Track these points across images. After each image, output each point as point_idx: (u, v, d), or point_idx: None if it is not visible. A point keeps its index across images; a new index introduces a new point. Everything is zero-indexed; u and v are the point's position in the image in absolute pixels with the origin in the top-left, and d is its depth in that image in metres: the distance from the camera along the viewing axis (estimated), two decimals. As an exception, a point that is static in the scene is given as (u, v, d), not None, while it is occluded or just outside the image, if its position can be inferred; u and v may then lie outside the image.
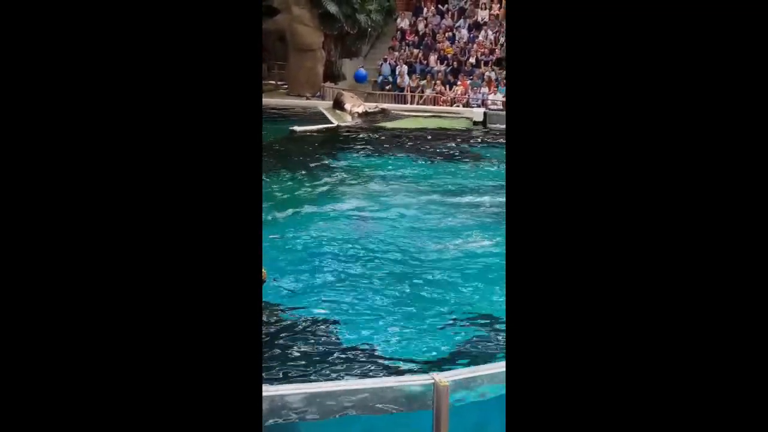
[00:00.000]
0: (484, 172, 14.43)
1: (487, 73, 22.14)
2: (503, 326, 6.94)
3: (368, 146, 16.56)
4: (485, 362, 6.00)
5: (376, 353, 6.42)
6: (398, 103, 21.57)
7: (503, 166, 14.54)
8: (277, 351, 6.23)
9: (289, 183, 12.70)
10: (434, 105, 21.50)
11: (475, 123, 19.85)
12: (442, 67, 23.08)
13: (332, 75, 23.09)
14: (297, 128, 17.88)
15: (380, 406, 3.39)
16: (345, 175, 13.21)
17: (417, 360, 6.28)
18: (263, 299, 6.38)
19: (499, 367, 3.90)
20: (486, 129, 19.49)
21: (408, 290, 7.81)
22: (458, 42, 24.10)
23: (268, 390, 3.13)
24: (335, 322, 7.03)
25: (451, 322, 7.09)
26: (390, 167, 14.33)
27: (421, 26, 25.09)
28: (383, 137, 17.53)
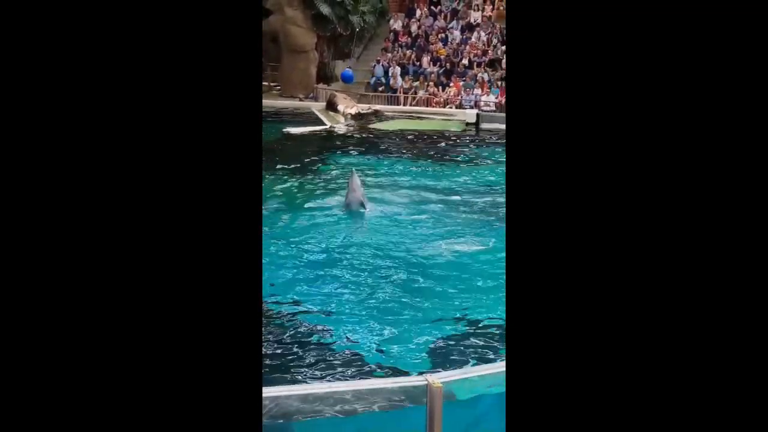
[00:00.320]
0: (477, 173, 14.44)
1: (479, 75, 22.18)
2: (496, 328, 6.95)
3: (361, 147, 16.56)
4: (478, 364, 6.01)
5: (369, 354, 6.42)
6: (391, 104, 21.58)
7: (496, 167, 14.58)
8: (269, 351, 6.23)
9: (282, 184, 12.69)
10: (427, 106, 21.52)
11: (468, 124, 19.87)
12: (435, 69, 23.10)
13: (325, 76, 23.08)
14: (290, 130, 17.87)
15: (373, 407, 3.40)
16: (338, 177, 13.20)
17: (410, 361, 6.29)
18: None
19: (492, 368, 3.91)
20: (479, 130, 19.51)
21: (401, 291, 7.81)
22: (451, 43, 24.13)
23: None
24: (327, 323, 7.03)
25: (444, 323, 7.10)
26: (383, 168, 14.33)
27: (414, 28, 25.10)
28: (376, 138, 17.53)
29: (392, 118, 20.02)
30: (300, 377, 5.84)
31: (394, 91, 22.43)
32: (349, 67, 23.18)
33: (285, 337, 6.63)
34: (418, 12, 25.76)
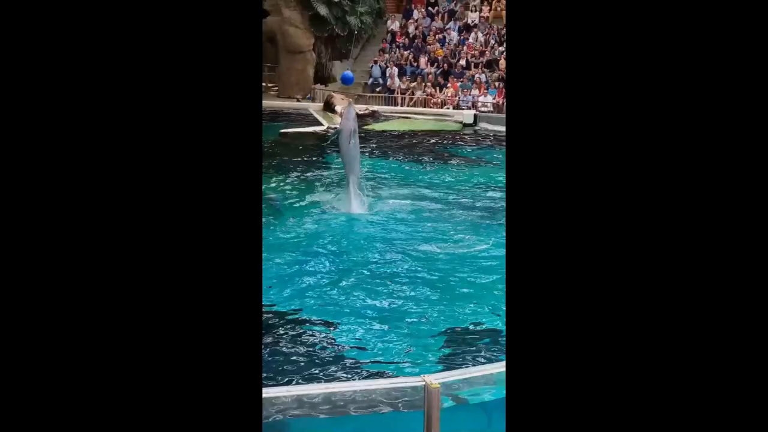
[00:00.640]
0: (475, 173, 14.45)
1: (477, 75, 22.19)
2: (494, 328, 6.95)
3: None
4: (476, 364, 6.01)
5: (367, 355, 6.42)
6: (388, 105, 21.60)
7: (494, 168, 14.59)
8: (268, 352, 6.22)
9: (280, 185, 12.69)
10: (424, 107, 21.53)
11: (465, 125, 19.89)
12: (433, 69, 23.10)
13: (322, 77, 23.09)
14: (287, 130, 17.87)
15: (371, 407, 3.40)
16: (335, 177, 13.19)
17: (407, 362, 6.29)
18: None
19: (490, 368, 3.91)
20: (476, 131, 19.52)
21: (399, 292, 7.81)
22: (448, 44, 24.13)
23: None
24: (326, 324, 7.03)
25: (442, 324, 7.10)
26: (380, 169, 14.33)
27: (411, 28, 25.11)
28: (373, 139, 17.52)
29: (390, 118, 20.03)
30: (298, 378, 5.83)
31: (392, 91, 22.44)
32: (350, 69, 23.17)
33: (283, 337, 6.63)
34: (416, 12, 25.76)
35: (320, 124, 19.00)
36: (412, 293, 7.79)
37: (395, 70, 23.07)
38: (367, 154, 15.86)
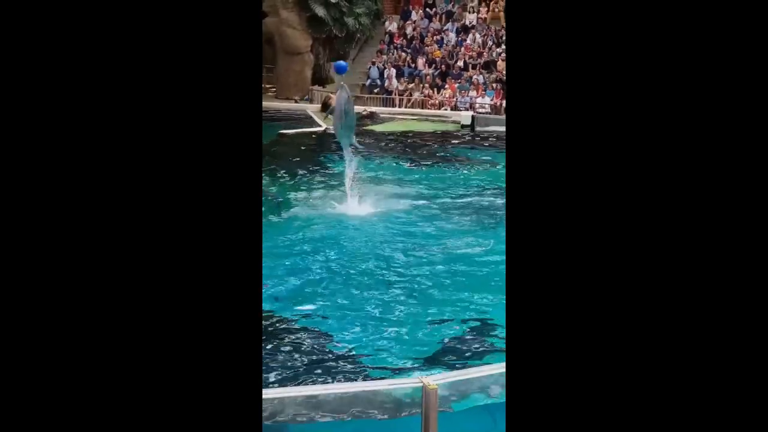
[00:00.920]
0: (472, 175, 14.45)
1: (474, 77, 22.19)
2: (492, 329, 6.96)
3: (356, 149, 16.53)
4: (473, 365, 6.02)
5: (364, 356, 6.43)
6: (386, 106, 21.58)
7: (492, 169, 14.59)
8: (266, 354, 6.23)
9: (277, 186, 12.68)
10: (422, 108, 21.52)
11: (463, 126, 19.87)
12: (430, 71, 23.10)
13: (320, 78, 23.07)
14: (285, 131, 17.85)
15: (369, 409, 3.41)
16: (333, 179, 13.19)
17: (405, 364, 6.29)
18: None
19: (488, 370, 3.93)
20: (474, 132, 19.52)
21: (397, 293, 7.82)
22: (446, 45, 24.13)
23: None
24: (323, 324, 7.04)
25: (441, 325, 7.11)
26: (379, 170, 14.33)
27: (409, 29, 25.10)
28: (371, 140, 17.52)
29: (387, 119, 20.02)
30: (295, 379, 5.84)
31: (390, 93, 22.44)
32: (348, 67, 23.12)
33: (281, 339, 6.63)
34: (413, 14, 25.76)
35: (318, 125, 18.98)
36: (410, 294, 7.79)
37: (393, 71, 23.06)
38: (365, 155, 15.86)
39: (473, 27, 24.69)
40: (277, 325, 6.96)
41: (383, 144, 17.45)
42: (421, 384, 3.33)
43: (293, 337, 6.71)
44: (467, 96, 21.61)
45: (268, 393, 3.26)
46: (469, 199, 12.20)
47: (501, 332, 6.67)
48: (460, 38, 24.37)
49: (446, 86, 22.17)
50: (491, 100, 21.28)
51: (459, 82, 22.29)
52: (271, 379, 5.67)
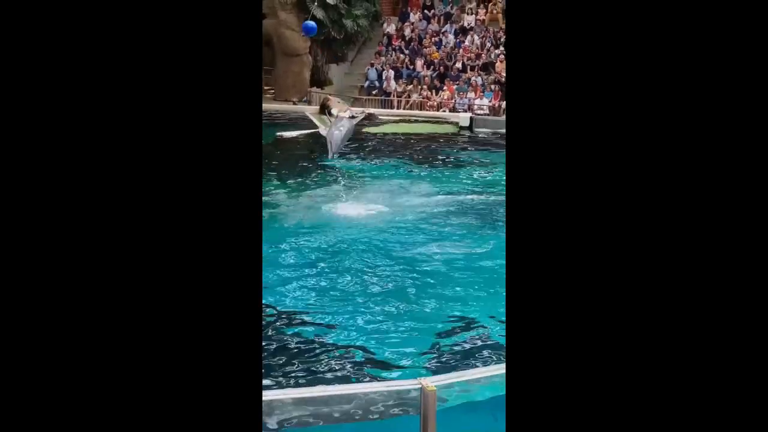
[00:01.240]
0: (471, 176, 14.46)
1: (473, 78, 22.21)
2: (492, 331, 6.95)
3: (354, 151, 16.55)
4: (473, 367, 6.01)
5: (363, 358, 6.42)
6: (385, 107, 21.58)
7: (491, 170, 14.60)
8: (265, 355, 6.22)
9: (276, 188, 12.68)
10: (421, 110, 21.52)
11: (462, 128, 19.88)
12: (429, 72, 23.12)
13: (319, 80, 23.09)
14: (283, 133, 17.84)
15: (368, 410, 3.40)
16: (331, 180, 13.19)
17: (404, 365, 6.29)
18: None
19: (486, 371, 3.92)
20: (472, 134, 19.52)
21: (396, 294, 7.81)
22: (445, 47, 24.15)
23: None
24: (321, 326, 7.03)
25: (441, 326, 7.10)
26: (376, 172, 14.34)
27: (407, 31, 25.12)
28: (370, 142, 17.52)
29: (386, 121, 20.01)
30: (295, 380, 5.83)
31: (388, 94, 22.45)
32: (347, 72, 23.11)
33: (281, 339, 6.62)
34: (412, 15, 25.78)
35: (316, 127, 18.96)
36: (409, 296, 7.79)
37: (391, 72, 23.08)
38: (363, 157, 15.87)
39: (471, 29, 24.71)
40: (276, 324, 6.95)
41: (381, 145, 17.45)
42: (420, 385, 3.32)
43: (290, 338, 6.70)
44: (465, 97, 21.62)
45: (267, 395, 3.25)
46: (469, 200, 12.20)
47: (501, 332, 6.66)
48: (458, 40, 24.39)
49: (444, 88, 22.19)
50: (489, 101, 21.29)
51: (457, 84, 22.30)
52: (270, 381, 5.66)
